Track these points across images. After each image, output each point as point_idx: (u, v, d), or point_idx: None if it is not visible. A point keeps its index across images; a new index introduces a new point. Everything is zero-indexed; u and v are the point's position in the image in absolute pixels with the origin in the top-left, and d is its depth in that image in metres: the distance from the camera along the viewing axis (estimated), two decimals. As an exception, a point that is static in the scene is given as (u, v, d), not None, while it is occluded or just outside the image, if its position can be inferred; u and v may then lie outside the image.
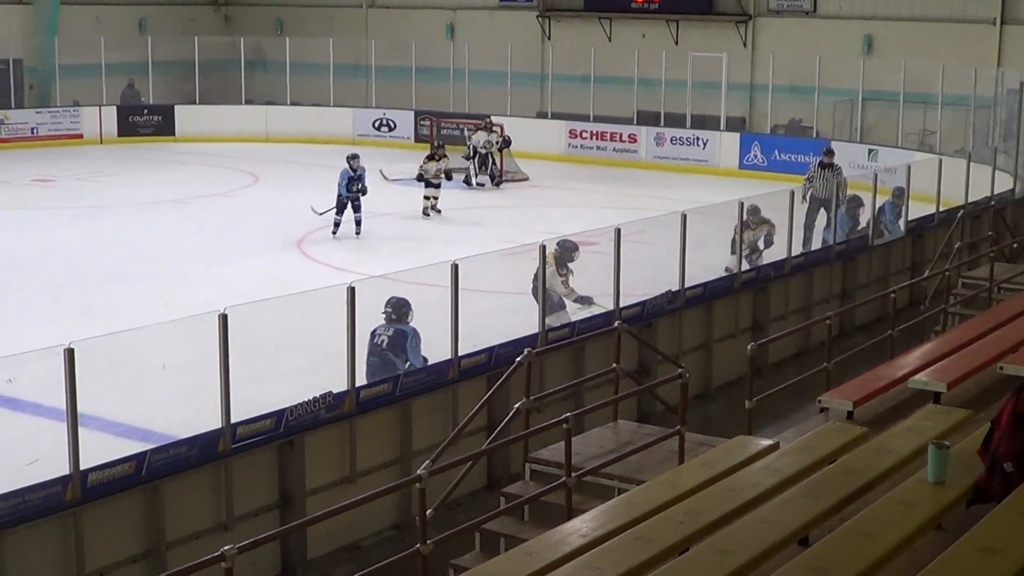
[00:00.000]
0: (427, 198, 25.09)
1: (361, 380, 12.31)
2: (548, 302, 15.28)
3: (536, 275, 15.32)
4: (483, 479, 13.22)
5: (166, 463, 10.74)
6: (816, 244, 20.03)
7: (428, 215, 24.92)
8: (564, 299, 15.75)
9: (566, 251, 16.02)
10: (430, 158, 25.64)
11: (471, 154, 28.92)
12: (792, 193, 18.38)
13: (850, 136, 31.09)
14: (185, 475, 10.92)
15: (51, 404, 11.39)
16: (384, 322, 13.13)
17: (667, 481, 9.38)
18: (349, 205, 22.89)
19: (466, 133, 29.91)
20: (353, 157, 23.39)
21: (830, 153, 22.47)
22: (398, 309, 13.14)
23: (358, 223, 22.95)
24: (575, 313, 15.79)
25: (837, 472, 8.82)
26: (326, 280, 18.21)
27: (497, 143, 28.58)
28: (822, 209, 20.85)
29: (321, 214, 23.35)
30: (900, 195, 20.56)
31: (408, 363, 12.95)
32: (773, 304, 18.02)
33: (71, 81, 36.64)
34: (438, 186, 25.19)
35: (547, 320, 14.93)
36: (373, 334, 13.04)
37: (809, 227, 20.77)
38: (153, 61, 36.82)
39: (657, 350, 14.45)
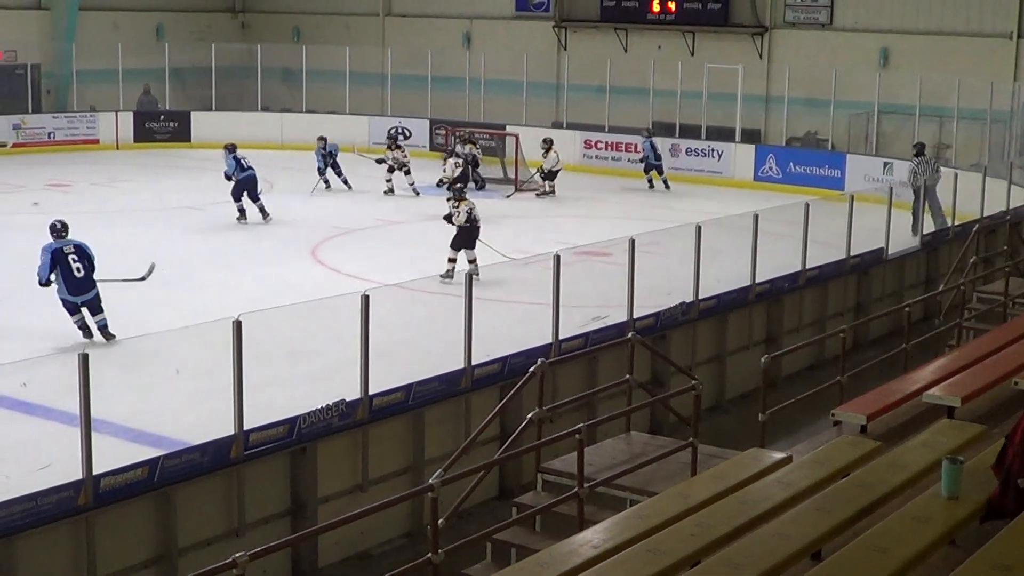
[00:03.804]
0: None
1: (374, 388, 12.31)
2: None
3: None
4: (495, 489, 13.23)
5: (179, 469, 10.77)
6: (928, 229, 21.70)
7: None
8: None
9: None
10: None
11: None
12: (807, 206, 18.34)
13: (865, 149, 31.03)
14: (197, 481, 10.95)
15: (64, 408, 11.42)
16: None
17: (679, 493, 9.37)
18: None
19: (457, 147, 30.32)
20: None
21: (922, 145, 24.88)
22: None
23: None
24: (586, 325, 15.76)
25: (850, 486, 8.80)
26: (340, 287, 18.20)
27: (477, 155, 29.80)
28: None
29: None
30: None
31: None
32: (787, 317, 18.01)
33: (88, 86, 36.76)
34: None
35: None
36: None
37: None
38: (170, 67, 36.93)
39: (670, 361, 14.43)
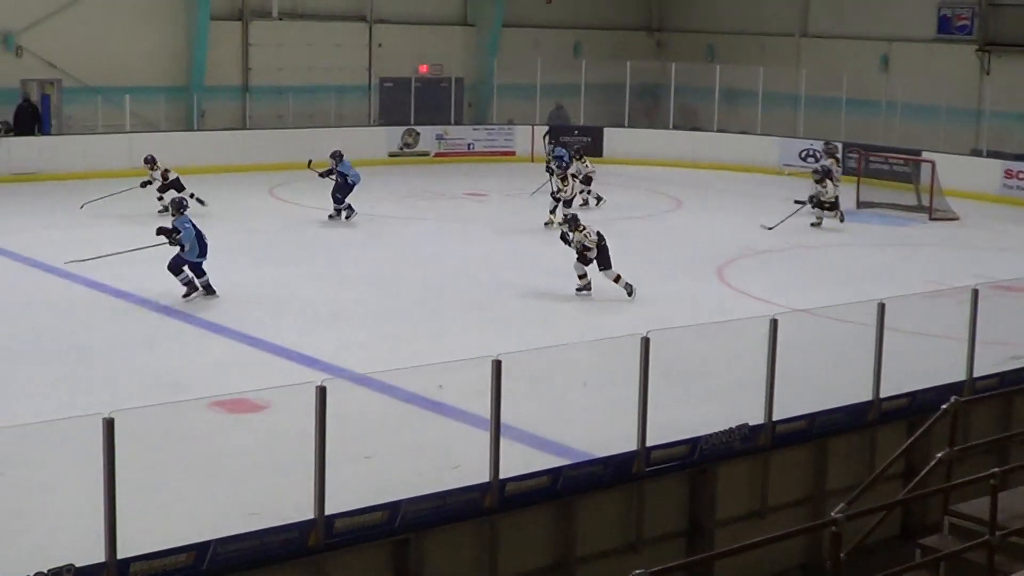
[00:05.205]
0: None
1: (777, 414, 12.16)
2: None
3: None
4: (896, 527, 12.80)
5: (580, 480, 10.97)
6: None
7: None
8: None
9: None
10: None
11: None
12: None
13: None
14: (598, 493, 11.11)
15: (474, 412, 11.86)
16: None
17: (1104, 551, 8.77)
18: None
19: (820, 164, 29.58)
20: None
21: None
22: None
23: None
24: (1002, 364, 14.98)
25: None
26: (744, 309, 18.13)
27: (838, 171, 28.51)
28: None
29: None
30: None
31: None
32: None
33: (507, 100, 38.19)
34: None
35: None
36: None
37: None
38: (585, 83, 37.84)
39: (1095, 408, 13.57)
